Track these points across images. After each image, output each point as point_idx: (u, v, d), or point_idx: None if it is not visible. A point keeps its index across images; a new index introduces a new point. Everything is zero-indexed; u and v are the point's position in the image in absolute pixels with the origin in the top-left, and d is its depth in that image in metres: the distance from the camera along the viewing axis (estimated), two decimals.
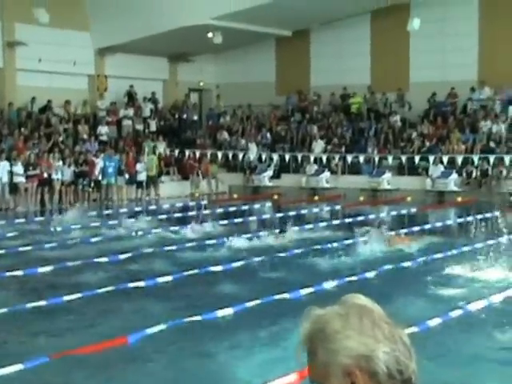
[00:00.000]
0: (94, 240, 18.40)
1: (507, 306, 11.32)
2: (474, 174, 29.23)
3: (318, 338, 1.77)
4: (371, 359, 1.74)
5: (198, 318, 10.20)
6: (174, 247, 16.97)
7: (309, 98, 36.79)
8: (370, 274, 13.37)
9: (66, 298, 11.70)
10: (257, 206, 27.06)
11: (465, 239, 18.00)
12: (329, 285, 12.15)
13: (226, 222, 21.52)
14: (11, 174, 26.35)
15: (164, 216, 23.54)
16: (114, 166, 29.22)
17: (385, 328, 1.79)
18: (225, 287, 12.79)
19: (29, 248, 17.00)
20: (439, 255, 15.60)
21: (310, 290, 11.77)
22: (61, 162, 27.68)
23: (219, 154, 33.74)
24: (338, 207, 26.02)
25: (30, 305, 11.26)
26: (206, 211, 23.56)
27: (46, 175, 27.07)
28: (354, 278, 12.87)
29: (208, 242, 17.71)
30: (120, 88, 35.52)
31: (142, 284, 12.72)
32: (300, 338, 1.82)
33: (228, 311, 10.58)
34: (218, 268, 14.13)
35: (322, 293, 11.54)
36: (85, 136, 31.83)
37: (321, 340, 1.77)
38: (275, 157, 33.23)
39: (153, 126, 35.32)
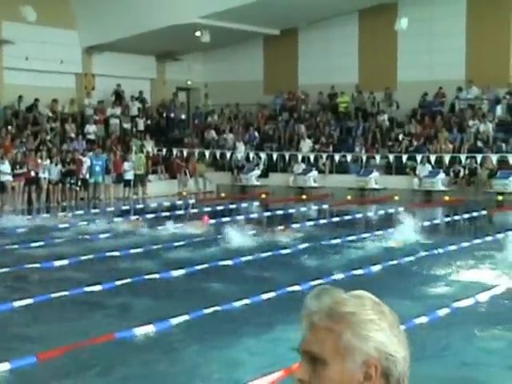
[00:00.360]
0: (81, 238, 18.36)
1: (494, 305, 11.39)
2: (461, 174, 29.34)
3: (348, 319, 1.73)
4: (392, 360, 1.73)
5: (186, 317, 10.23)
6: (161, 245, 16.95)
7: (297, 96, 36.84)
8: (358, 272, 13.42)
9: (54, 295, 11.69)
10: (244, 205, 27.08)
11: (451, 238, 18.10)
12: (316, 283, 12.17)
13: (213, 221, 21.49)
14: None
15: (156, 214, 23.51)
16: (101, 164, 29.17)
17: (403, 334, 1.80)
18: (213, 286, 12.80)
19: (16, 246, 16.95)
20: (425, 253, 15.67)
21: (297, 287, 11.80)
22: (48, 161, 27.61)
23: (207, 153, 33.75)
24: (325, 206, 26.07)
25: (17, 303, 11.24)
26: (195, 210, 23.63)
27: (33, 174, 26.98)
28: (341, 276, 12.92)
29: (196, 239, 17.74)
30: (107, 87, 35.47)
31: (129, 281, 12.72)
32: (310, 310, 1.78)
33: (216, 309, 10.60)
34: (205, 266, 14.14)
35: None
36: (72, 135, 31.76)
37: (351, 323, 1.73)
38: (263, 156, 33.26)
39: (141, 125, 35.27)
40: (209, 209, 24.90)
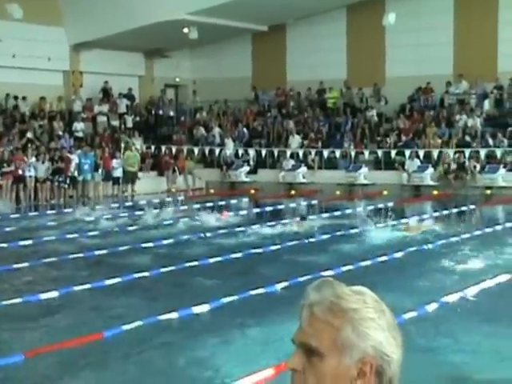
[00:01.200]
0: (71, 236, 18.32)
1: (484, 298, 11.42)
2: (450, 168, 29.38)
3: (349, 316, 1.73)
4: (388, 360, 1.74)
5: (175, 314, 10.22)
6: (150, 244, 16.93)
7: (286, 92, 36.85)
8: (348, 267, 13.43)
9: (43, 295, 11.66)
10: (234, 201, 27.06)
11: (441, 233, 18.18)
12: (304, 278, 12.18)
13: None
14: None
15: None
16: (89, 162, 29.08)
17: (400, 335, 1.80)
18: (202, 283, 12.82)
19: (4, 245, 16.90)
20: (415, 248, 15.72)
21: (286, 284, 11.82)
22: (33, 159, 27.47)
23: (196, 150, 33.71)
24: (314, 202, 26.12)
25: (6, 302, 11.21)
26: (184, 207, 23.68)
27: (20, 172, 26.90)
28: (331, 273, 12.92)
29: (184, 236, 17.75)
30: (95, 84, 35.38)
31: (119, 280, 12.71)
32: (311, 301, 1.77)
33: (204, 308, 10.60)
34: (195, 263, 14.14)
35: (297, 286, 11.57)
36: (60, 132, 31.69)
37: (352, 319, 1.73)
38: (252, 152, 33.26)
39: (129, 122, 35.21)
40: (198, 205, 24.89)
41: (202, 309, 10.50)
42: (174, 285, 12.85)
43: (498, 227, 19.47)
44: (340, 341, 1.73)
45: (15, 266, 14.23)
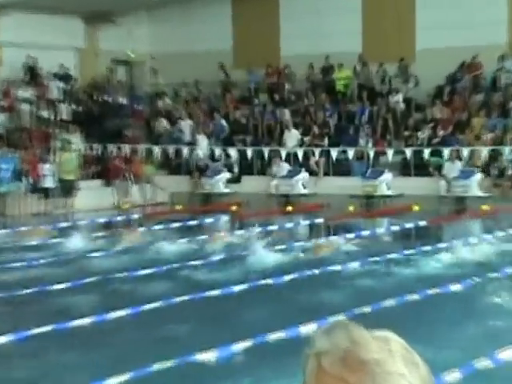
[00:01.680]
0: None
1: None
2: (505, 173, 29.45)
3: (369, 369, 1.72)
4: None
5: (128, 375, 10.22)
6: (95, 279, 16.93)
7: (280, 70, 36.92)
8: (367, 308, 13.46)
9: None
10: (209, 220, 27.06)
11: (490, 262, 18.25)
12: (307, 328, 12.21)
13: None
14: None
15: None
16: (10, 168, 29.03)
17: None
18: (167, 332, 12.83)
19: None
20: (456, 283, 15.75)
21: (281, 333, 11.85)
22: None
23: (156, 150, 33.70)
24: (319, 221, 26.16)
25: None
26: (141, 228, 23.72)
27: None
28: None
29: (146, 271, 17.77)
30: (17, 60, 35.32)
31: (49, 329, 12.69)
32: (319, 349, 1.76)
33: (170, 365, 10.60)
34: (158, 304, 14.16)
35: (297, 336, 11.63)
36: None
37: (373, 374, 1.72)
38: (233, 153, 33.26)
39: (64, 113, 35.18)
40: (159, 226, 24.91)
41: (168, 367, 10.49)
42: (128, 334, 12.84)
43: None
44: None
45: None
